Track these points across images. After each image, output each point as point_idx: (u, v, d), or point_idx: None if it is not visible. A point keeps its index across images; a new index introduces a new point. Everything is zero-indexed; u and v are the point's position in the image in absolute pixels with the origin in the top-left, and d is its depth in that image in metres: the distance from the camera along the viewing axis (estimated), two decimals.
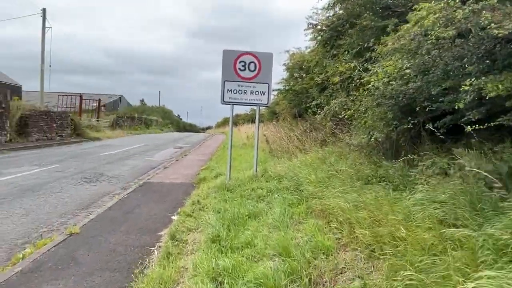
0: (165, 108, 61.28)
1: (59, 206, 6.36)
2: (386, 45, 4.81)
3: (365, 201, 3.89)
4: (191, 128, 65.56)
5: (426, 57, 4.12)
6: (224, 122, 74.99)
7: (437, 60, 4.06)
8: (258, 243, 3.58)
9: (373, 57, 5.34)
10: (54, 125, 18.78)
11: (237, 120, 62.01)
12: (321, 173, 5.36)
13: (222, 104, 7.45)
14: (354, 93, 5.65)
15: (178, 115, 74.11)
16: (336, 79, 5.54)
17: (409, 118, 4.44)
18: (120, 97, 56.99)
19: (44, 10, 22.75)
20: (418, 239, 2.69)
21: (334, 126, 8.93)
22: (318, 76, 7.86)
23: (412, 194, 3.72)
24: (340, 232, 3.52)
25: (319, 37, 8.80)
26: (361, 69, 5.21)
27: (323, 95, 8.49)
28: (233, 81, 7.41)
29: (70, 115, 21.06)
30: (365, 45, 5.90)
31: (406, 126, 4.42)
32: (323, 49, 8.58)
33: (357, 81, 5.43)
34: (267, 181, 6.81)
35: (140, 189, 7.72)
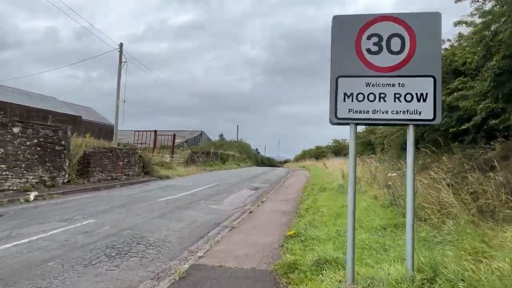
0: (243, 142, 60.00)
1: None
2: None
3: None
4: (268, 162, 63.00)
5: None
6: (303, 155, 70.38)
7: None
8: None
9: None
10: (120, 163, 16.99)
11: (319, 153, 57.07)
12: None
13: (334, 124, 3.64)
14: None
15: (256, 149, 72.72)
16: None
17: None
18: (201, 133, 57.51)
19: (121, 45, 22.35)
20: None
21: None
22: None
23: None
24: None
25: None
26: None
27: None
28: (356, 76, 3.60)
29: (139, 151, 19.30)
30: None
31: None
32: None
33: None
34: None
35: None
